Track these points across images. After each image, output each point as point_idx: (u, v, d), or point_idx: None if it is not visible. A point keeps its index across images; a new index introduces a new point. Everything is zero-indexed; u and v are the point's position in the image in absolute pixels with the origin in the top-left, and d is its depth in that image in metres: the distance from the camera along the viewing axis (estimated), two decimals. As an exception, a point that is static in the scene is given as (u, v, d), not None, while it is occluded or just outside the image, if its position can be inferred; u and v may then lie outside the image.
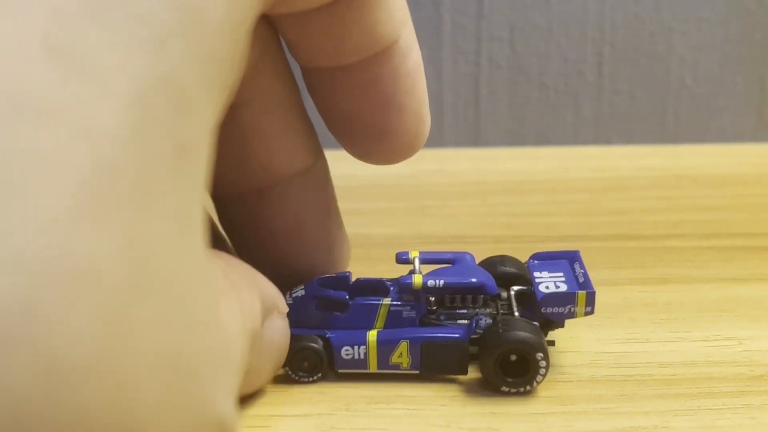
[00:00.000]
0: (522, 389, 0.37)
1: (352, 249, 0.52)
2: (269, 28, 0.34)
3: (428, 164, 0.68)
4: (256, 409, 0.36)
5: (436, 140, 0.72)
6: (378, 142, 0.37)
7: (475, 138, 0.72)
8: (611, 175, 0.65)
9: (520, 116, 0.72)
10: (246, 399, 0.37)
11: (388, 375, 0.38)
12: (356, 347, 0.38)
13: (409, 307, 0.39)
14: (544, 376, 0.37)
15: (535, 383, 0.37)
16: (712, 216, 0.56)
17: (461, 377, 0.38)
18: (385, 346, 0.38)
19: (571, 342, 0.41)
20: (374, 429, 0.35)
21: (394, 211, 0.59)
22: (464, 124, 0.71)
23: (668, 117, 0.72)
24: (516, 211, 0.59)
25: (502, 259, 0.42)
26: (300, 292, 0.39)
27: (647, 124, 0.72)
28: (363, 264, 0.43)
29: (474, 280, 0.39)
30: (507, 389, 0.37)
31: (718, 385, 0.38)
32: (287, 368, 0.38)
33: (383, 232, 0.55)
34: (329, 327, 0.39)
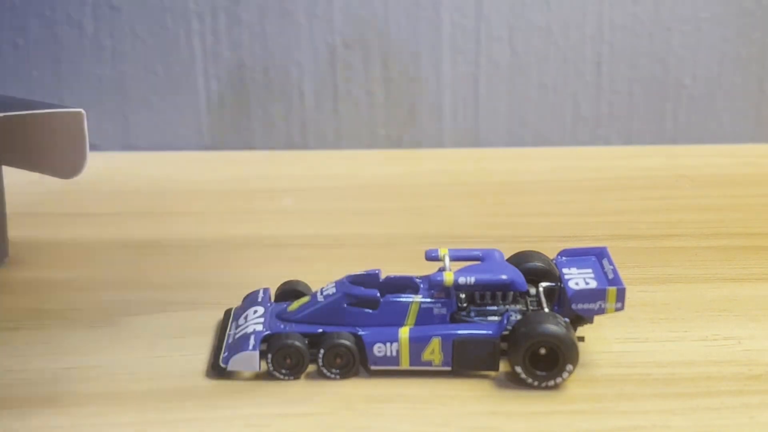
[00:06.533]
0: (551, 383, 0.37)
1: (353, 249, 0.52)
2: None
3: (428, 164, 0.68)
4: (257, 409, 0.36)
5: (436, 140, 0.72)
6: None
7: (474, 138, 0.72)
8: (610, 175, 0.65)
9: (519, 116, 0.72)
10: (246, 398, 0.37)
11: (387, 374, 0.38)
12: (388, 344, 0.38)
13: (439, 304, 0.39)
14: (571, 372, 0.37)
15: (564, 376, 0.37)
16: (711, 216, 0.57)
17: (492, 373, 0.38)
18: (417, 343, 0.38)
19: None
20: (374, 428, 0.35)
21: (394, 211, 0.59)
22: (464, 124, 0.72)
23: (667, 117, 0.72)
24: (515, 211, 0.59)
25: (530, 256, 0.42)
26: (331, 289, 0.40)
27: (646, 124, 0.72)
28: (364, 264, 0.43)
29: (504, 276, 0.39)
30: (536, 383, 0.37)
31: (717, 384, 0.38)
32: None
33: (383, 232, 0.55)
34: (361, 324, 0.39)
